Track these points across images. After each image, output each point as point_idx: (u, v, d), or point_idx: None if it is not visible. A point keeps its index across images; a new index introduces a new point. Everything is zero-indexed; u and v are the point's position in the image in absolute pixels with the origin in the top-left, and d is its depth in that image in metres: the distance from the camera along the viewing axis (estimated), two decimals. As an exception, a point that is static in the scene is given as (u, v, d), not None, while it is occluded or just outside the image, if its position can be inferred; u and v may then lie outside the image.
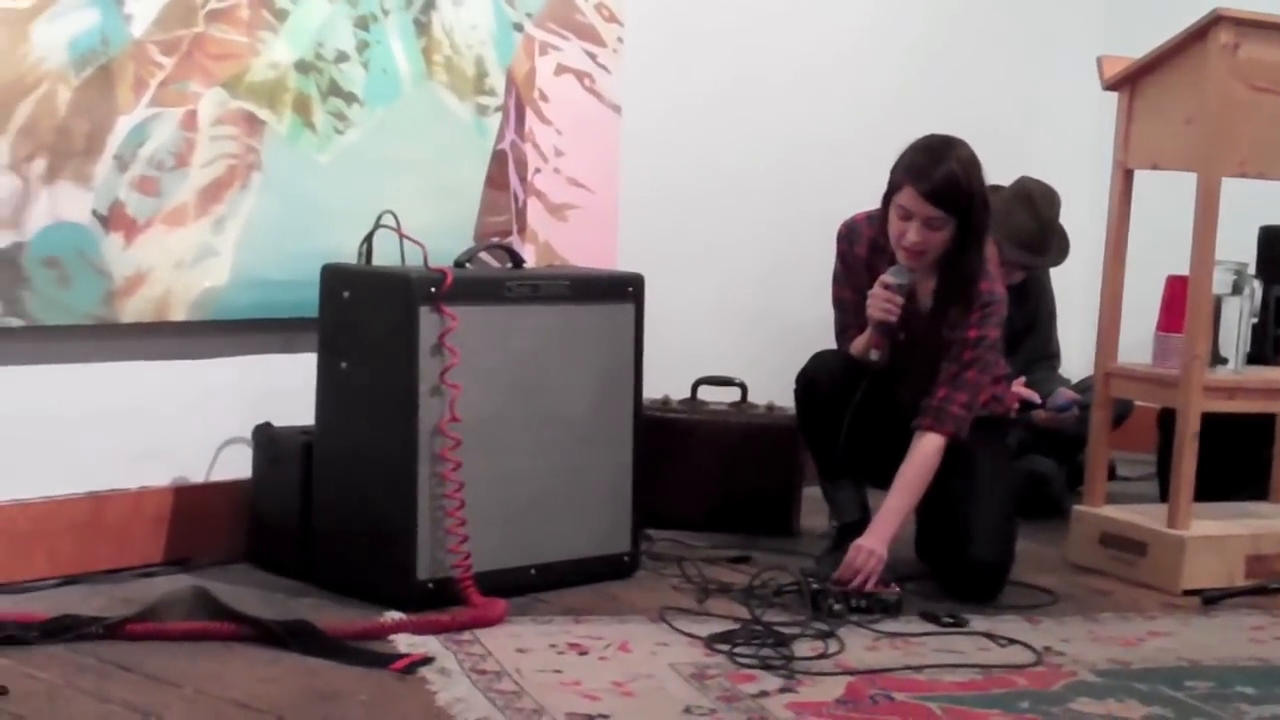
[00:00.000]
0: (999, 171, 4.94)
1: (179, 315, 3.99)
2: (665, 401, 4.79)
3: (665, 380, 4.76)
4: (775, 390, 4.65)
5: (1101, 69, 4.53)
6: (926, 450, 4.05)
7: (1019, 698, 3.35)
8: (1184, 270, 4.36)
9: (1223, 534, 4.37)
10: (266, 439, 4.07)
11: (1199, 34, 4.27)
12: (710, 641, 3.59)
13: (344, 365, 3.84)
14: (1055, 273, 5.45)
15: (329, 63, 4.15)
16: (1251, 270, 4.81)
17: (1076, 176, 5.65)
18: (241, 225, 4.04)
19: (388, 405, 3.76)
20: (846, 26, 5.58)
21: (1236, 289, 4.56)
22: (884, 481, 4.29)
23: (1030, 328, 5.26)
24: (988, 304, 4.08)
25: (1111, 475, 5.35)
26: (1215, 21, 4.22)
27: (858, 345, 4.13)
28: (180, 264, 3.97)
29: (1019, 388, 5.04)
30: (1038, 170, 5.29)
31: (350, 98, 4.20)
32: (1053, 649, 3.69)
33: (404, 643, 3.50)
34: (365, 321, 3.80)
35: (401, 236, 3.98)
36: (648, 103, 4.90)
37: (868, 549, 3.95)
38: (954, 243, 4.02)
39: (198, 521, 4.06)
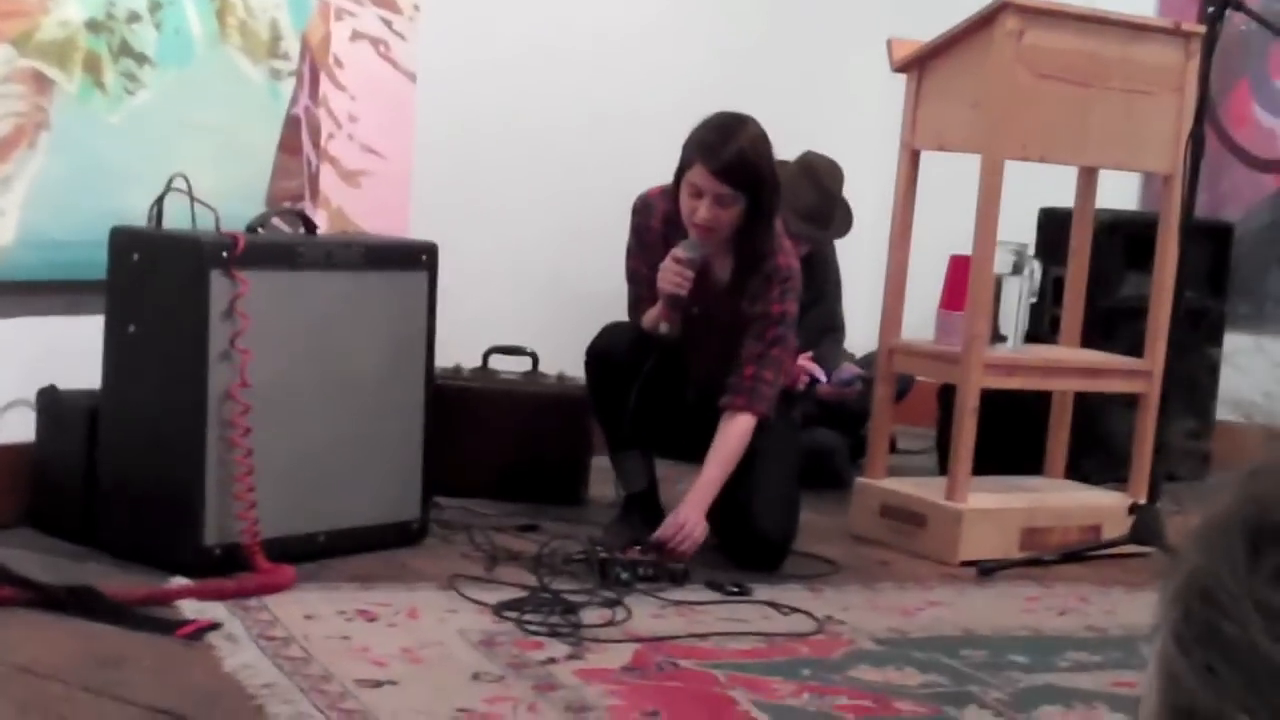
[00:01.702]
0: (792, 149, 5.03)
1: (-38, 275, 3.92)
2: (457, 370, 4.80)
3: (458, 348, 4.77)
4: (567, 360, 4.68)
5: (891, 52, 4.62)
6: (740, 428, 4.11)
7: (801, 665, 3.42)
8: (967, 250, 4.46)
9: (999, 507, 4.50)
10: (50, 401, 4.01)
11: (986, 20, 4.37)
12: (499, 609, 3.62)
13: (132, 329, 3.79)
14: (844, 248, 5.54)
15: (120, 22, 4.09)
16: (1032, 251, 4.94)
17: (867, 156, 5.74)
18: (28, 185, 3.98)
19: (176, 369, 3.72)
20: (644, 4, 5.61)
21: (1017, 269, 4.68)
22: (672, 452, 4.36)
23: (815, 301, 5.33)
24: (787, 279, 4.16)
25: (893, 449, 5.47)
26: (1001, 8, 4.33)
27: (649, 318, 4.18)
28: (-36, 223, 3.90)
29: (805, 362, 5.13)
30: (830, 149, 5.37)
31: (142, 58, 4.15)
32: (834, 618, 3.77)
33: (190, 609, 3.48)
34: (154, 285, 3.77)
35: (193, 200, 3.94)
36: (445, 70, 4.89)
37: (689, 522, 4.01)
38: (745, 219, 4.08)
39: (-22, 484, 4.00)
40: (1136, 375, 4.74)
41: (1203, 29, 4.34)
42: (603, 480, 4.63)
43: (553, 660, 3.33)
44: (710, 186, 4.02)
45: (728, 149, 4.02)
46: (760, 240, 4.14)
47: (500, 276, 5.19)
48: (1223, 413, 6.04)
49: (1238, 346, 6.03)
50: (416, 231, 4.58)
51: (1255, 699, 0.55)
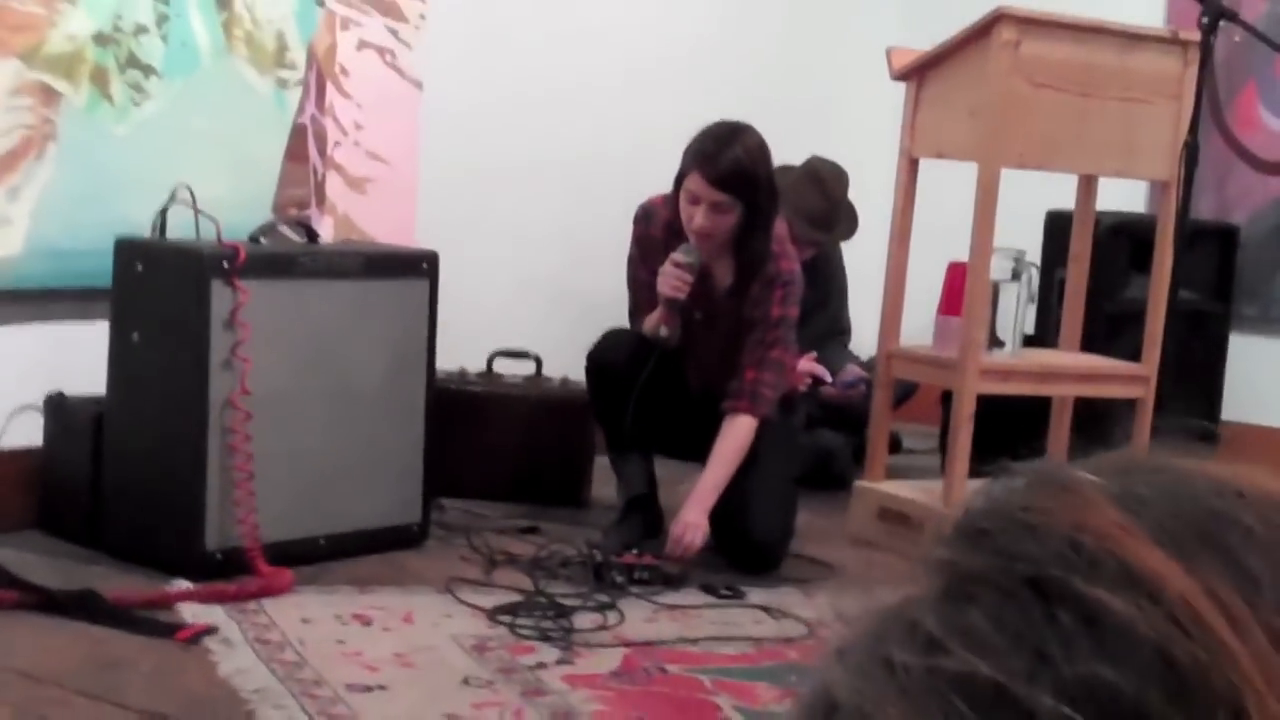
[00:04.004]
0: (799, 155, 5.09)
1: (-29, 283, 4.00)
2: (461, 374, 4.87)
3: (464, 351, 4.84)
4: (571, 363, 4.75)
5: (890, 61, 4.67)
6: (741, 430, 4.18)
7: (788, 670, 3.48)
8: (967, 256, 4.51)
9: (995, 511, 4.53)
10: (57, 407, 4.09)
11: (982, 30, 4.41)
12: (493, 613, 3.69)
13: (136, 337, 3.87)
14: (850, 252, 5.59)
15: (127, 35, 4.17)
16: (1031, 257, 4.98)
17: (872, 162, 5.78)
18: (36, 195, 4.06)
19: (178, 378, 3.80)
20: (654, 6, 5.67)
21: (1014, 275, 4.72)
22: (674, 452, 4.42)
23: (821, 304, 5.39)
24: (788, 283, 4.22)
25: (898, 448, 5.53)
26: (998, 19, 4.37)
27: (649, 322, 4.24)
28: (-27, 232, 3.98)
29: (809, 363, 5.19)
30: (837, 155, 5.43)
31: (148, 70, 4.22)
32: (825, 622, 3.83)
33: (190, 612, 3.56)
34: (157, 294, 3.85)
35: (196, 210, 4.01)
36: (451, 78, 4.96)
37: (692, 523, 4.09)
38: (743, 225, 4.15)
39: (-12, 488, 4.09)
40: (1133, 380, 4.77)
41: (1198, 37, 4.38)
42: (605, 481, 4.70)
43: (542, 665, 3.40)
44: (707, 194, 4.09)
45: (724, 157, 4.08)
46: (759, 245, 4.20)
47: (505, 281, 5.26)
48: (1229, 414, 6.08)
49: (1243, 348, 6.06)
50: (422, 237, 4.65)
51: None
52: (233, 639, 3.40)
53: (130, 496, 3.91)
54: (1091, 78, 4.53)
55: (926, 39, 4.65)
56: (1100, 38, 4.55)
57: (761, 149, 4.16)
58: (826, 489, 5.12)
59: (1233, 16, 4.33)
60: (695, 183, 4.10)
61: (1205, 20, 4.33)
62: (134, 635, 3.39)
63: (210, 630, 3.42)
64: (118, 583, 3.68)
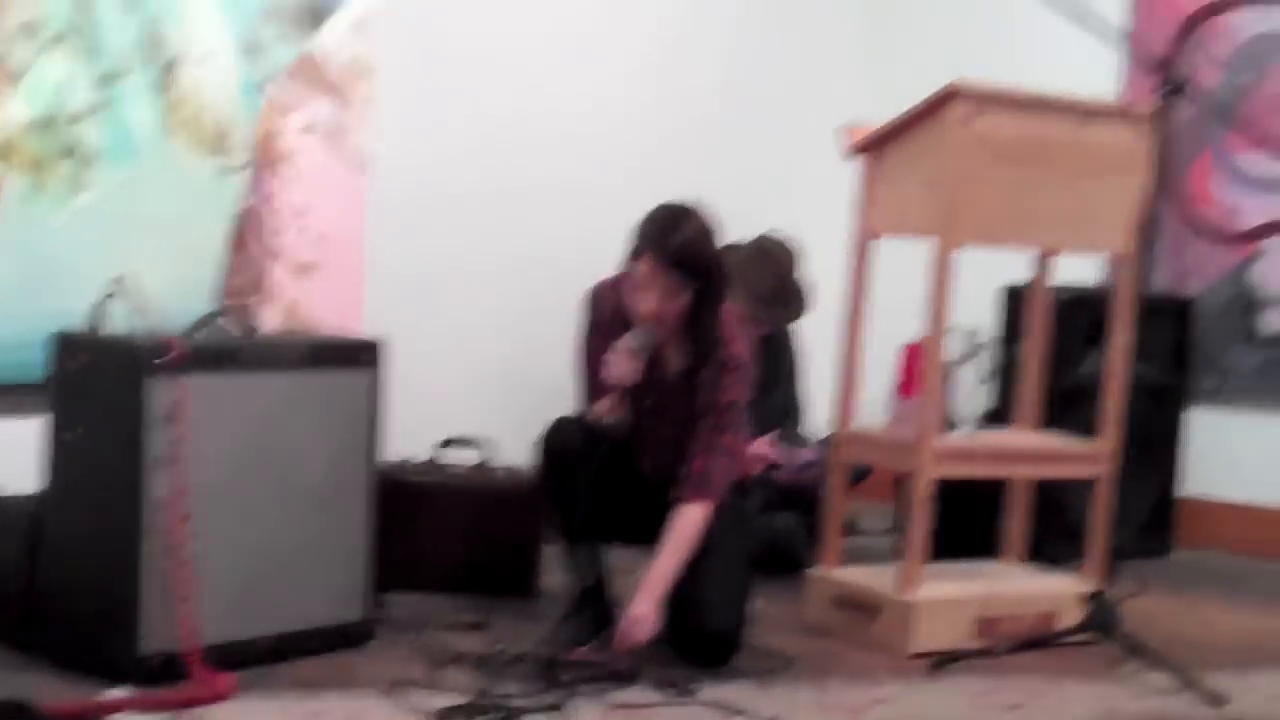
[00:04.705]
0: (748, 234, 5.03)
1: (-98, 376, 3.91)
2: (404, 464, 4.78)
3: (412, 437, 4.75)
4: (523, 447, 4.66)
5: (842, 138, 4.61)
6: (691, 519, 4.10)
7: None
8: (920, 334, 4.45)
9: (953, 597, 4.47)
10: (-9, 506, 3.99)
11: (935, 106, 4.36)
12: (440, 716, 3.59)
13: (71, 434, 3.77)
14: (807, 328, 5.53)
15: (64, 123, 4.09)
16: (984, 331, 4.92)
17: (823, 239, 5.72)
18: (-31, 286, 3.97)
19: (114, 476, 3.70)
20: (602, 87, 5.62)
21: (970, 355, 4.67)
22: (629, 538, 4.34)
23: (772, 383, 5.32)
24: (739, 367, 4.15)
25: (853, 529, 5.45)
26: (951, 95, 4.32)
27: (597, 409, 4.16)
28: (-95, 324, 3.89)
29: (764, 447, 5.12)
30: (787, 232, 5.37)
31: (88, 157, 4.14)
32: (780, 718, 3.74)
33: (127, 721, 3.46)
34: (93, 390, 3.75)
35: (132, 303, 3.91)
36: (398, 160, 4.90)
37: (641, 616, 4.00)
38: (693, 308, 4.08)
39: (-83, 589, 3.97)
40: (1091, 459, 4.71)
41: (1152, 111, 4.32)
42: (555, 569, 4.60)
43: (489, 773, 3.31)
44: (657, 276, 4.02)
45: (673, 239, 4.02)
46: (709, 328, 4.14)
47: (454, 364, 5.19)
48: (1188, 488, 6.03)
49: (1202, 421, 6.02)
50: (371, 323, 4.57)
51: None
52: (170, 750, 3.30)
53: (65, 599, 3.80)
54: (1047, 152, 4.48)
55: (879, 114, 4.59)
56: (1055, 112, 4.51)
57: (710, 229, 4.09)
58: (782, 573, 5.04)
59: (1192, 90, 4.27)
60: (645, 265, 4.04)
61: (1164, 93, 4.29)
62: (68, 747, 3.29)
63: (147, 741, 3.32)
64: (50, 690, 3.57)
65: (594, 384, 4.23)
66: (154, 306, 3.87)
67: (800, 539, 5.26)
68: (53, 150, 4.08)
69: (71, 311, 3.97)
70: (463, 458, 4.88)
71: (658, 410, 4.21)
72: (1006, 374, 5.47)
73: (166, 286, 4.10)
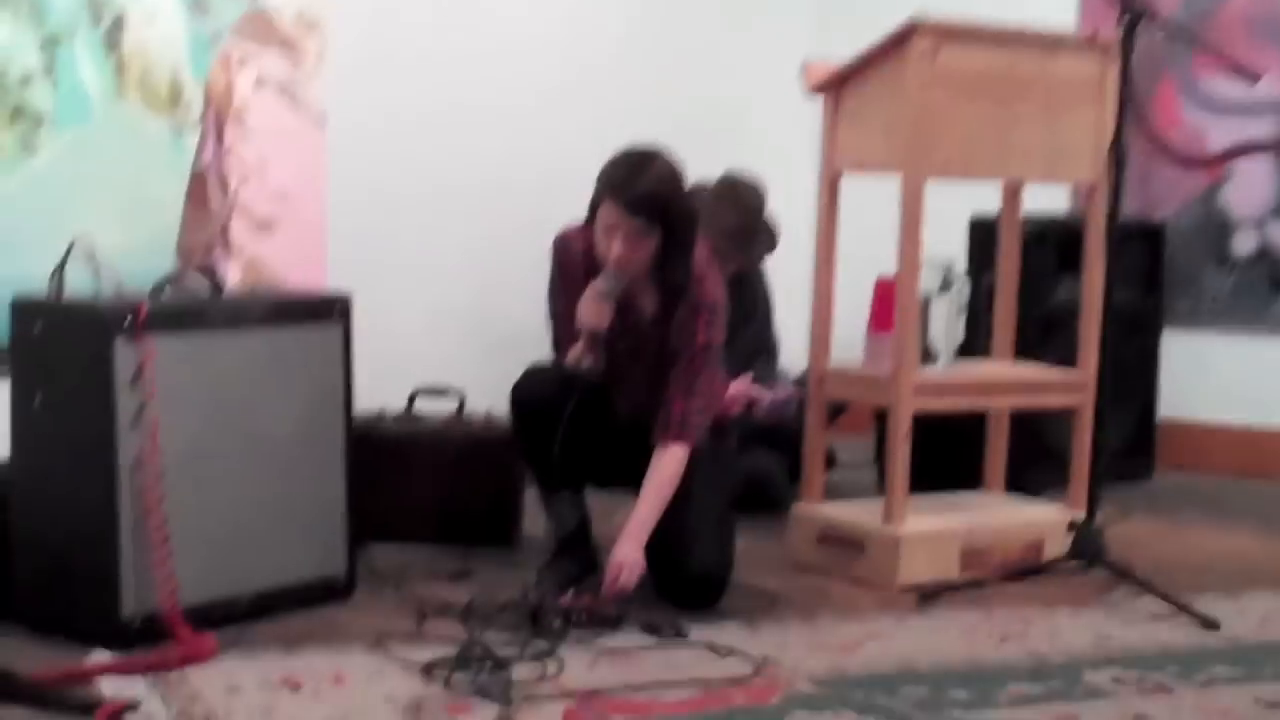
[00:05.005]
0: (714, 174, 4.97)
1: None
2: (380, 416, 4.72)
3: (383, 390, 4.69)
4: (494, 396, 4.60)
5: (806, 75, 4.55)
6: (672, 461, 4.06)
7: (738, 715, 3.35)
8: (893, 269, 4.40)
9: (938, 529, 4.44)
10: (-41, 477, 3.91)
11: (898, 41, 4.31)
12: (427, 668, 3.54)
13: (38, 400, 3.70)
14: (776, 266, 5.48)
15: (14, 85, 4.00)
16: (959, 267, 4.88)
17: (790, 177, 5.68)
18: (-73, 256, 3.89)
19: (85, 440, 3.63)
20: (555, 26, 5.55)
21: (944, 287, 4.62)
22: (606, 482, 4.29)
23: (745, 321, 5.27)
24: (713, 308, 4.10)
25: (832, 463, 5.42)
26: (913, 30, 4.26)
27: (571, 355, 4.11)
28: None
29: (742, 385, 5.07)
30: (753, 171, 5.31)
31: (38, 120, 4.06)
32: (771, 658, 3.70)
33: (111, 685, 3.39)
34: (59, 356, 3.67)
35: (93, 265, 3.83)
36: (354, 109, 4.83)
37: (627, 561, 3.95)
38: (662, 251, 4.03)
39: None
40: (1071, 388, 4.68)
41: (1117, 39, 4.28)
42: (536, 516, 4.55)
43: (481, 723, 3.26)
44: (623, 222, 3.96)
45: (638, 184, 3.96)
46: (680, 270, 4.08)
47: (424, 316, 5.13)
48: (1165, 411, 6.01)
49: (1177, 345, 6.00)
50: (335, 273, 4.51)
51: None
52: (155, 714, 3.23)
53: (42, 565, 3.73)
54: (1011, 84, 4.44)
55: (842, 50, 4.53)
56: (1017, 44, 4.46)
57: (675, 172, 4.03)
58: (763, 512, 5.00)
59: (1153, 17, 4.24)
60: (610, 211, 3.97)
61: (1125, 22, 4.25)
62: (54, 716, 3.22)
63: (132, 706, 3.25)
64: (31, 658, 3.50)
65: (566, 331, 4.17)
66: (112, 268, 3.79)
67: (780, 478, 5.23)
68: (1, 114, 3.98)
69: (30, 277, 3.90)
70: (439, 408, 4.82)
71: (632, 354, 4.16)
72: (976, 306, 5.42)
73: (124, 247, 4.04)
